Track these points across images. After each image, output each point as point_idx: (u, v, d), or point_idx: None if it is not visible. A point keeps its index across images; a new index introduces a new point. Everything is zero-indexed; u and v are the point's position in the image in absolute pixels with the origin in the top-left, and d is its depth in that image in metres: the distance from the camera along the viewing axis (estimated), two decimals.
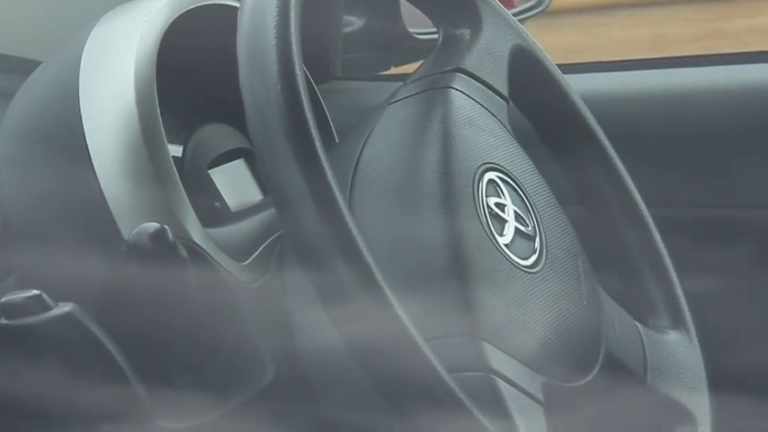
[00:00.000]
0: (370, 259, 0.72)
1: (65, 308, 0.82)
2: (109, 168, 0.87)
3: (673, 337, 1.01)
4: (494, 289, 0.84)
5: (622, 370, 0.94)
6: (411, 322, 0.72)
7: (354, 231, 0.73)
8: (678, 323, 1.03)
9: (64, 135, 0.89)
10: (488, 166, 0.89)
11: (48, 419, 0.85)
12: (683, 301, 1.03)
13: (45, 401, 0.84)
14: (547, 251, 0.89)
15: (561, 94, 1.03)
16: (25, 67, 1.04)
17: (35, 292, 0.81)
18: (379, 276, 0.72)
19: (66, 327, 0.82)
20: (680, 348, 1.01)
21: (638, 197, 1.03)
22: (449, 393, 0.72)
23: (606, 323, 0.94)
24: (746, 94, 1.36)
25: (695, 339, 1.02)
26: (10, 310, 0.82)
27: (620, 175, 1.03)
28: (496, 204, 0.87)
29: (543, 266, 0.88)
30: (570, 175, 1.03)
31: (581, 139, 1.03)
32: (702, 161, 1.29)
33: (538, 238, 0.89)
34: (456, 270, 0.82)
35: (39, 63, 0.99)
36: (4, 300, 0.82)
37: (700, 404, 0.99)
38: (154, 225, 0.81)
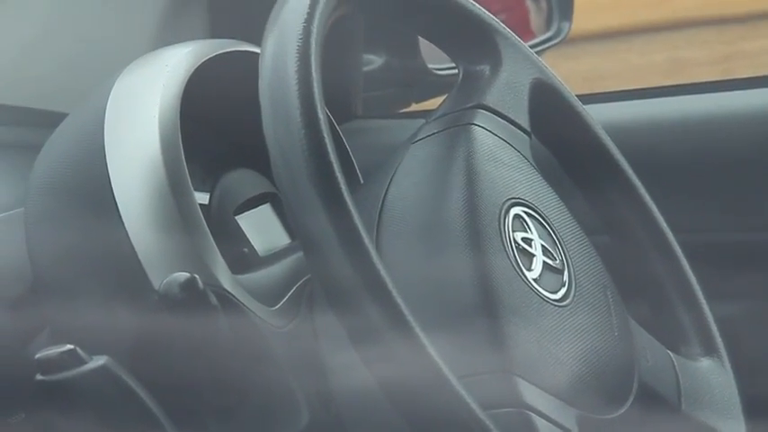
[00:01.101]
0: (399, 299, 0.72)
1: (99, 361, 0.82)
2: (136, 219, 0.87)
3: (705, 364, 1.01)
4: (524, 324, 0.84)
5: (657, 399, 0.94)
6: (443, 361, 0.72)
7: (382, 272, 0.73)
8: (710, 350, 1.03)
9: (91, 187, 0.89)
10: (514, 201, 0.89)
11: None
12: (714, 327, 1.03)
13: None
14: (576, 284, 0.89)
15: (583, 126, 1.03)
16: (51, 119, 1.04)
17: (69, 346, 0.81)
18: (409, 316, 0.72)
19: (101, 379, 0.82)
20: (713, 375, 1.01)
21: (664, 225, 1.04)
22: (484, 431, 0.72)
23: (638, 353, 0.93)
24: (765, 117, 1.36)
25: (728, 365, 1.02)
26: (45, 365, 0.82)
27: (645, 203, 1.03)
28: (523, 239, 0.87)
29: (573, 299, 0.88)
30: (596, 205, 1.03)
31: (605, 170, 1.03)
32: (725, 186, 1.28)
33: (566, 272, 0.89)
34: (486, 306, 0.82)
35: (64, 115, 0.99)
36: (38, 355, 0.82)
37: (735, 430, 0.99)
38: (184, 274, 0.81)
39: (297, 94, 0.76)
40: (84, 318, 0.84)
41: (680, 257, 1.04)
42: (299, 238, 0.80)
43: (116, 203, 0.86)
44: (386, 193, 0.87)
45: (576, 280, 0.90)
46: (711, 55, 2.26)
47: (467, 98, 0.95)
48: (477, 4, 1.01)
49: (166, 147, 0.88)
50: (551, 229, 0.91)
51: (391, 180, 0.88)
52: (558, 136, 1.01)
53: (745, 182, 1.29)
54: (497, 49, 0.98)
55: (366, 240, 0.74)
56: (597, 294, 0.92)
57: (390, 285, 0.73)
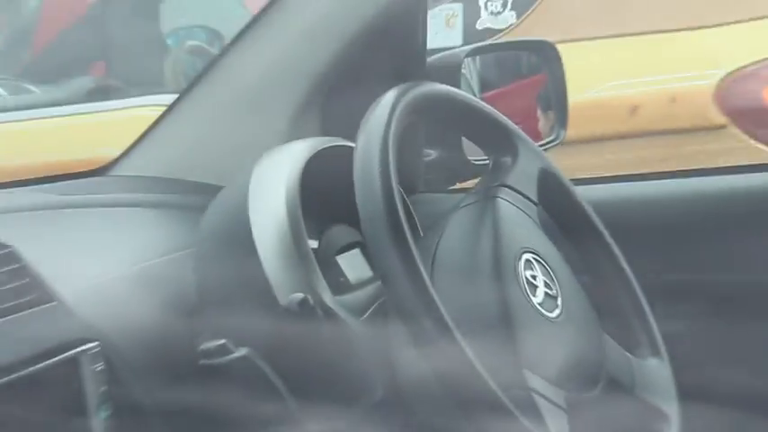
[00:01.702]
0: (446, 316, 0.74)
1: (242, 352, 0.83)
2: (269, 257, 0.88)
3: (652, 362, 1.01)
4: (530, 333, 0.84)
5: (618, 386, 0.94)
6: (476, 358, 0.74)
7: (435, 297, 0.75)
8: (655, 352, 1.02)
9: (240, 236, 0.90)
10: (525, 249, 0.89)
11: (233, 427, 0.87)
12: (658, 336, 1.02)
13: (231, 415, 0.87)
14: (566, 307, 0.89)
15: (573, 201, 1.02)
16: (210, 189, 1.04)
17: (222, 341, 0.82)
18: (453, 327, 0.74)
19: (243, 365, 0.84)
20: (657, 370, 1.01)
21: (626, 267, 1.02)
22: (503, 405, 0.74)
23: (606, 353, 0.94)
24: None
25: (667, 363, 1.01)
26: (206, 354, 0.83)
27: (614, 253, 1.00)
28: (531, 275, 0.87)
29: (564, 317, 0.88)
30: (580, 254, 1.02)
31: (587, 230, 1.02)
32: (671, 241, 1.29)
33: (560, 298, 0.88)
34: (505, 320, 0.83)
35: (219, 187, 1.00)
36: (201, 347, 0.83)
37: (672, 409, 0.98)
38: (300, 295, 0.83)
39: (378, 176, 0.78)
40: (233, 322, 0.86)
41: (636, 289, 1.02)
42: (378, 271, 0.83)
43: (255, 247, 0.87)
44: (438, 244, 0.88)
45: (566, 304, 0.89)
46: (663, 154, 2.21)
47: (494, 179, 0.96)
48: (502, 115, 1.01)
49: (290, 210, 0.88)
50: (550, 269, 0.90)
51: (441, 235, 0.89)
52: (557, 207, 1.00)
53: (685, 239, 1.29)
54: (516, 147, 0.98)
55: (424, 276, 0.76)
56: (580, 314, 0.92)
57: (439, 305, 0.75)
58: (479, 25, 2.65)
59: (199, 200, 1.02)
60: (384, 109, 0.82)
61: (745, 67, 2.28)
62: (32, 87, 2.96)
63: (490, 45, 1.98)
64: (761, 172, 1.40)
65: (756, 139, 2.25)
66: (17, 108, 2.65)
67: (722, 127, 2.28)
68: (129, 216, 1.05)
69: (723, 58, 2.34)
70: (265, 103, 1.16)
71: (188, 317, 0.90)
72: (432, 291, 0.76)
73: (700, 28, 2.39)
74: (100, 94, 2.75)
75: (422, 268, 0.76)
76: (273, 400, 0.86)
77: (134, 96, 2.55)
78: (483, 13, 2.67)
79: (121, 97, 2.66)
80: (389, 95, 0.83)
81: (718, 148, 2.23)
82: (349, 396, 0.90)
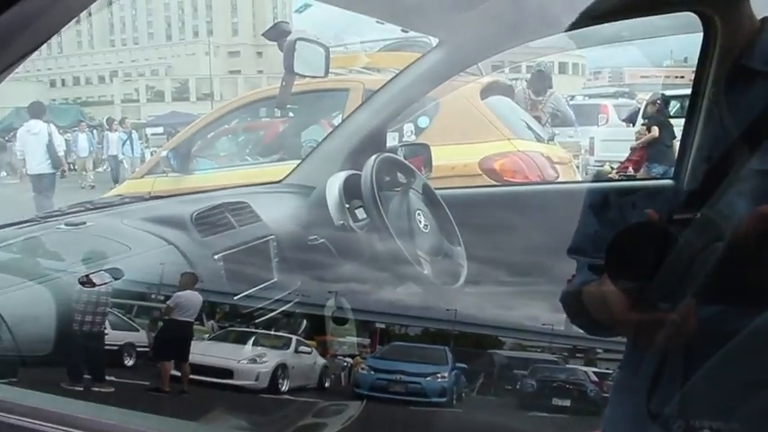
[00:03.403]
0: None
1: (318, 240, 2.17)
2: (332, 208, 2.06)
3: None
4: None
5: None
6: None
7: (386, 221, 2.09)
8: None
9: (322, 201, 2.14)
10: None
11: None
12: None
13: None
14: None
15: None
16: (307, 190, 2.21)
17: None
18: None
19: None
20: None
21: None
22: None
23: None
24: None
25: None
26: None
27: None
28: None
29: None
30: None
31: None
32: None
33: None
34: None
35: (312, 188, 2.22)
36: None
37: None
38: (341, 222, 2.19)
39: (369, 181, 2.09)
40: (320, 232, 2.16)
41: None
42: (368, 214, 2.20)
43: (328, 205, 2.14)
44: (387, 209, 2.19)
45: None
46: None
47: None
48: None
49: (339, 194, 2.05)
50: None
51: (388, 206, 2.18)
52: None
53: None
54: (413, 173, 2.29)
55: (382, 214, 2.08)
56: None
57: (386, 219, 2.10)
58: None
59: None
60: (371, 160, 2.17)
61: None
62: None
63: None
64: None
65: None
66: None
67: None
68: (288, 198, 2.29)
69: None
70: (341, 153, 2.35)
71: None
72: (386, 220, 2.05)
73: None
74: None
75: (382, 212, 2.05)
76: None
77: None
78: None
79: None
80: (373, 157, 2.19)
81: None
82: None
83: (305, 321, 2.20)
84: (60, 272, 1.56)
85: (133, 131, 13.15)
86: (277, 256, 2.11)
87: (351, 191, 2.22)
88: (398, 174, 2.37)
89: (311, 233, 2.13)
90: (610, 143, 9.22)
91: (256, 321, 2.01)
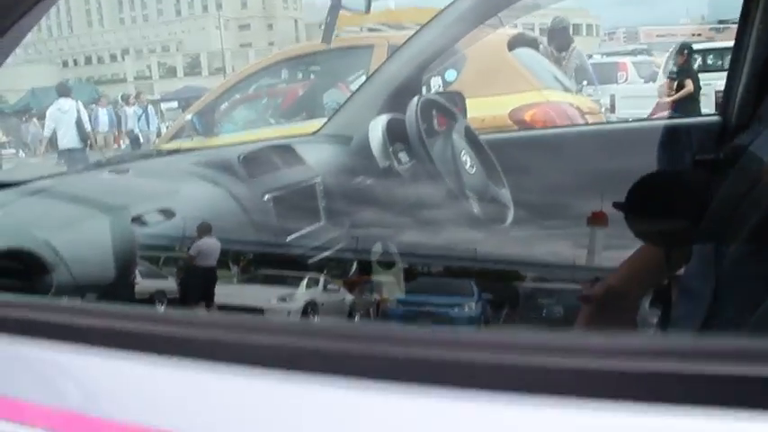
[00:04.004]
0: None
1: (364, 181, 2.20)
2: (375, 149, 2.11)
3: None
4: None
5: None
6: None
7: (428, 151, 2.11)
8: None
9: (366, 142, 2.20)
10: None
11: None
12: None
13: None
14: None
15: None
16: (347, 140, 2.21)
17: None
18: None
19: None
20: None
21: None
22: None
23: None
24: None
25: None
26: None
27: None
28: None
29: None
30: None
31: None
32: None
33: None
34: None
35: (351, 137, 2.33)
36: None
37: None
38: (387, 162, 2.18)
39: (415, 121, 2.10)
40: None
41: None
42: (415, 153, 2.20)
43: (371, 147, 2.09)
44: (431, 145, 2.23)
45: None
46: None
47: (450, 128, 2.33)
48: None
49: (382, 134, 2.05)
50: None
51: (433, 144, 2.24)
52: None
53: None
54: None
55: (427, 149, 2.12)
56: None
57: (429, 151, 2.12)
58: None
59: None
60: (414, 101, 2.11)
61: None
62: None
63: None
64: None
65: None
66: None
67: None
68: (327, 146, 2.26)
69: None
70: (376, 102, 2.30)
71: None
72: (434, 160, 2.03)
73: None
74: None
75: (430, 152, 1.99)
76: None
77: None
78: None
79: None
80: (415, 98, 2.13)
81: None
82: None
83: (351, 265, 2.19)
84: (112, 214, 1.53)
85: (149, 106, 13.14)
86: (323, 199, 2.06)
87: (393, 134, 2.17)
88: (440, 116, 2.31)
89: (356, 177, 2.11)
90: (631, 100, 9.16)
91: (300, 264, 1.98)
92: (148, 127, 12.60)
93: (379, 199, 2.07)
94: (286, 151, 2.07)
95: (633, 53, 12.44)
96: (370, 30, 6.25)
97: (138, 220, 1.56)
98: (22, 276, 1.25)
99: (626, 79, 11.20)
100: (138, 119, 12.63)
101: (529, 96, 4.30)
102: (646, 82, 11.02)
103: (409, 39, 2.34)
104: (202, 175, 1.81)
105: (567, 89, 5.01)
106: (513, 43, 4.62)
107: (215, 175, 1.81)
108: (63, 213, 1.54)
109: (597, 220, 1.86)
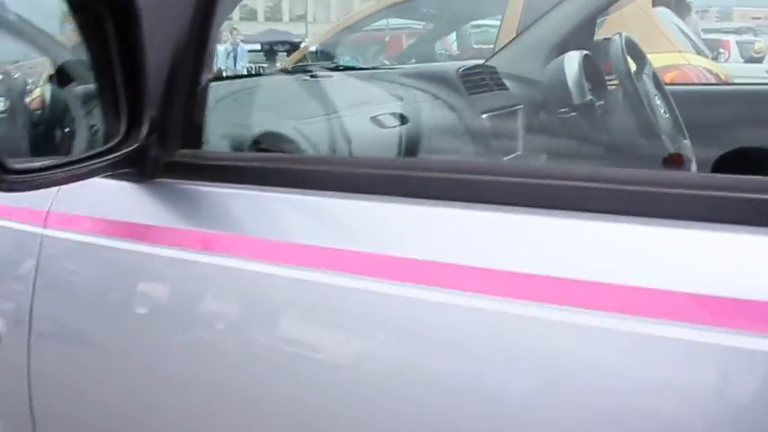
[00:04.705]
0: None
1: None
2: (570, 82, 2.09)
3: None
4: None
5: None
6: None
7: None
8: None
9: (563, 74, 2.14)
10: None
11: None
12: None
13: None
14: None
15: None
16: (530, 83, 2.19)
17: None
18: None
19: None
20: None
21: None
22: None
23: None
24: None
25: None
26: None
27: None
28: None
29: None
30: None
31: None
32: None
33: None
34: None
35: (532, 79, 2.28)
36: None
37: None
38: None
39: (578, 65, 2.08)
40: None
41: None
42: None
43: (566, 79, 2.11)
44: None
45: None
46: None
47: None
48: None
49: (578, 67, 2.00)
50: None
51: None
52: None
53: None
54: None
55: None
56: None
57: None
58: None
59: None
60: (617, 38, 2.07)
61: None
62: None
63: None
64: None
65: None
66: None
67: None
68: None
69: None
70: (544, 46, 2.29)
71: None
72: (641, 95, 1.97)
73: None
74: None
75: (637, 86, 1.94)
76: None
77: None
78: None
79: None
80: (616, 35, 2.08)
81: None
82: None
83: None
84: (351, 110, 1.49)
85: (240, 44, 13.08)
86: (524, 126, 2.01)
87: (586, 71, 2.12)
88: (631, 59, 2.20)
89: (552, 110, 2.05)
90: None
91: None
92: (235, 66, 12.55)
93: (576, 133, 1.99)
94: (494, 73, 2.01)
95: (738, 32, 12.06)
96: None
97: (374, 119, 1.49)
98: None
99: (727, 58, 10.87)
100: (228, 56, 12.57)
101: (669, 57, 4.16)
102: (746, 62, 10.70)
103: None
104: (419, 87, 1.74)
105: (701, 53, 4.85)
106: (657, 0, 4.48)
107: (433, 87, 1.74)
108: (297, 106, 1.49)
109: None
